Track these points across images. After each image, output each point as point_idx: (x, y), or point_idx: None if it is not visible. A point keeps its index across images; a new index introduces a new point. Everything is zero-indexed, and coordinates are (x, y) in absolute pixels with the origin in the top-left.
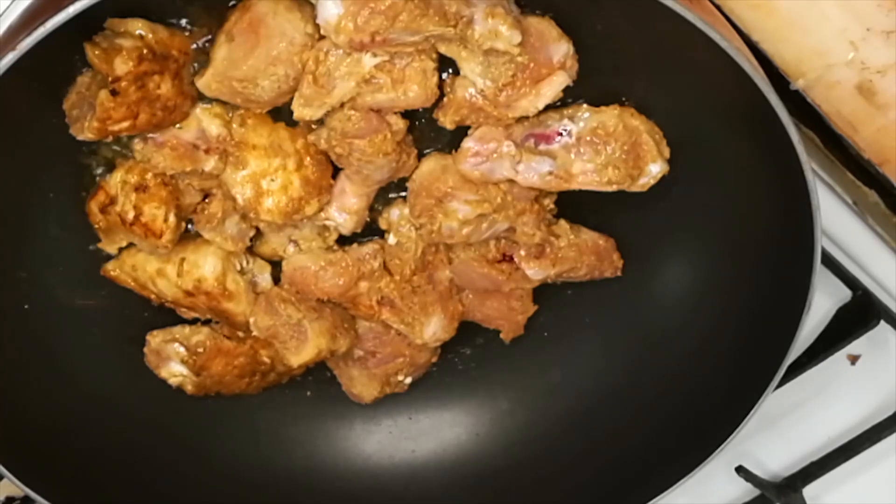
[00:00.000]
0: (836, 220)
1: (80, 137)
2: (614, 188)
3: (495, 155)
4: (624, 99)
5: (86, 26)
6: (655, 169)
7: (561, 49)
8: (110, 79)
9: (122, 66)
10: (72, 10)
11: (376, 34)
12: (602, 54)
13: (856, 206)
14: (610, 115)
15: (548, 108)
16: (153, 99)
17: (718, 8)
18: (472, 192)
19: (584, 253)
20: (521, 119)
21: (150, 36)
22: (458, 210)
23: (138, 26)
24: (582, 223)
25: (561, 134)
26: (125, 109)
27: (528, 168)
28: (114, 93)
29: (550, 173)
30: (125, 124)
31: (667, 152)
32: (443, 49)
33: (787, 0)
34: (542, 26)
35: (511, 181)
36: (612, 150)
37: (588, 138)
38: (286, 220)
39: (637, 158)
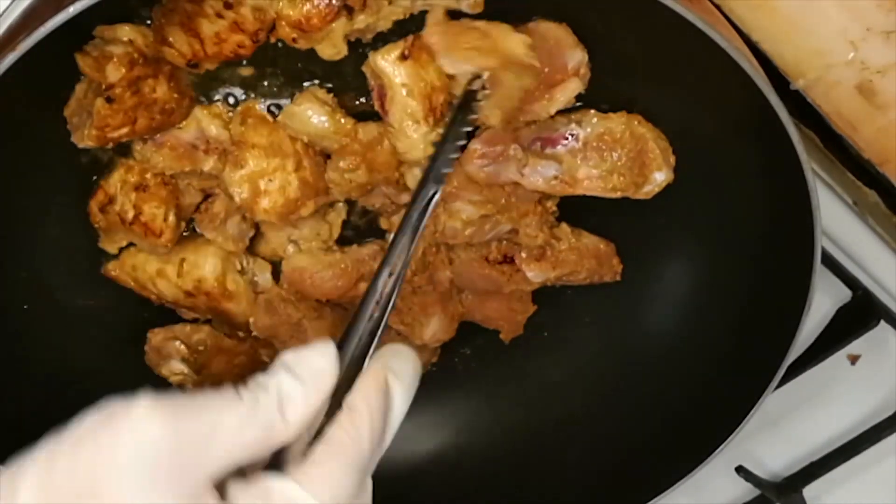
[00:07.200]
0: (836, 220)
1: (81, 145)
2: (618, 195)
3: (502, 157)
4: (627, 101)
5: (76, 36)
6: (660, 177)
7: (576, 56)
8: (104, 86)
9: (114, 72)
10: (72, 11)
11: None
12: (602, 55)
13: (856, 206)
14: (617, 122)
15: (556, 112)
16: (150, 103)
17: (718, 8)
18: (477, 192)
19: (584, 257)
20: (529, 122)
21: (141, 40)
22: (462, 210)
23: (127, 31)
24: (581, 224)
25: (567, 138)
26: (122, 115)
27: (534, 171)
28: (109, 100)
29: (556, 177)
30: (124, 130)
31: (672, 161)
32: None
33: (787, 0)
34: (559, 33)
35: (516, 183)
36: (618, 156)
37: (595, 144)
38: (282, 221)
39: (642, 166)
